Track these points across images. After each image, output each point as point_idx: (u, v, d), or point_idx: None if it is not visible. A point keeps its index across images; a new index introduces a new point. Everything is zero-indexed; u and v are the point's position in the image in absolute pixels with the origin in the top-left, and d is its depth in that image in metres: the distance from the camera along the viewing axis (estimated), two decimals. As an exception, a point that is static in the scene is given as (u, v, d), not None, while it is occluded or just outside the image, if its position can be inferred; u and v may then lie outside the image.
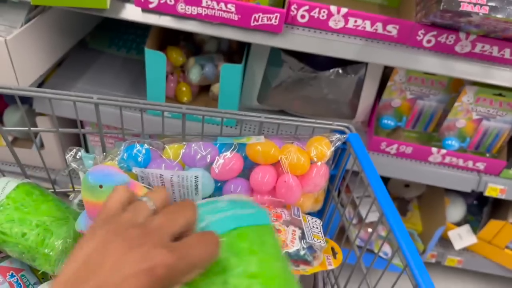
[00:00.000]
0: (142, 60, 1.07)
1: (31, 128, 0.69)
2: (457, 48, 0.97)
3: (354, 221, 1.38)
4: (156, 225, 0.36)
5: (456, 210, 1.41)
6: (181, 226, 0.38)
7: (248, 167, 0.70)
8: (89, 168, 0.67)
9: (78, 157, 0.69)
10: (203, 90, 1.23)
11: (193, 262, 0.35)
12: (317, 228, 0.69)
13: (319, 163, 0.70)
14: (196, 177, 0.66)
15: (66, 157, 0.67)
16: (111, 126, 1.24)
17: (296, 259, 0.65)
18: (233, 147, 0.69)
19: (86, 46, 1.38)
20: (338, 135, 0.71)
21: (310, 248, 0.66)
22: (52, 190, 0.80)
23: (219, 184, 0.71)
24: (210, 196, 0.72)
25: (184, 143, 0.69)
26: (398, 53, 0.97)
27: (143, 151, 0.67)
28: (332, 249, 0.73)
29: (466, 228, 1.40)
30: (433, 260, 1.42)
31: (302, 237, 0.66)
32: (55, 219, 0.70)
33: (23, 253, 0.69)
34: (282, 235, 0.65)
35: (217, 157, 0.68)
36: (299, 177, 0.70)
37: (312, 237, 0.67)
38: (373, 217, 1.34)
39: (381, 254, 1.39)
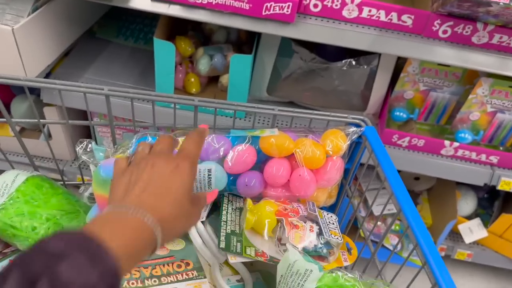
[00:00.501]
0: (150, 50, 1.05)
1: (41, 120, 0.68)
2: (474, 39, 0.94)
3: (363, 214, 1.37)
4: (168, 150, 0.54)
5: (467, 204, 1.39)
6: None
7: (262, 160, 0.69)
8: (100, 160, 0.66)
9: (88, 149, 0.68)
10: (212, 81, 1.21)
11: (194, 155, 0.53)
12: (333, 224, 0.68)
13: (334, 157, 0.68)
14: (209, 170, 0.64)
15: (77, 149, 0.66)
16: (119, 117, 1.22)
17: (313, 255, 0.64)
18: (246, 140, 0.68)
19: (93, 36, 1.37)
20: (354, 128, 0.70)
21: (327, 244, 0.64)
22: (62, 183, 0.79)
23: (232, 177, 0.70)
24: (223, 190, 0.71)
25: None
26: (412, 43, 0.94)
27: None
28: (347, 244, 0.71)
29: (476, 221, 1.38)
30: (442, 254, 1.41)
31: (320, 233, 0.65)
32: (65, 212, 0.70)
33: (32, 246, 0.68)
34: (300, 231, 0.64)
35: (230, 150, 0.67)
36: (314, 171, 0.68)
37: (330, 233, 0.65)
38: (380, 209, 1.33)
39: (389, 246, 1.38)
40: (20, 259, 0.34)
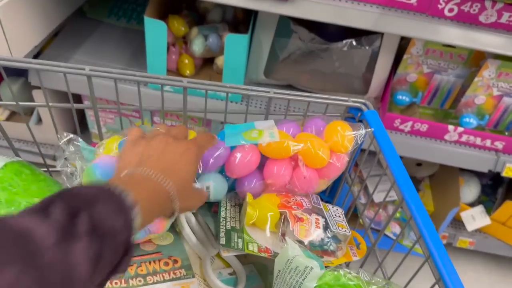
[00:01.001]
0: (143, 31, 1.01)
1: (20, 103, 0.64)
2: (482, 18, 0.89)
3: (363, 201, 1.33)
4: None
5: (470, 191, 1.35)
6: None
7: (262, 157, 0.64)
8: (88, 159, 0.62)
9: (73, 144, 0.63)
10: (206, 63, 1.16)
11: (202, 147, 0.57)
12: (339, 216, 0.64)
13: (338, 164, 0.64)
14: (208, 187, 0.61)
15: (60, 143, 0.61)
16: (111, 100, 1.18)
17: (320, 249, 0.60)
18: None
19: (84, 15, 1.31)
20: (363, 129, 0.64)
21: (335, 238, 0.61)
22: (45, 170, 0.75)
23: (228, 180, 0.66)
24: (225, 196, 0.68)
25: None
26: (417, 22, 0.90)
27: None
28: (354, 239, 0.68)
29: (480, 209, 1.34)
30: (444, 242, 1.38)
31: (326, 226, 0.61)
32: (47, 199, 0.65)
33: (13, 236, 0.64)
34: (305, 224, 0.59)
35: (232, 153, 0.62)
36: (317, 169, 0.64)
37: (337, 226, 0.61)
38: (381, 197, 1.30)
39: (390, 234, 1.34)
40: (60, 195, 0.38)
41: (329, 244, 0.60)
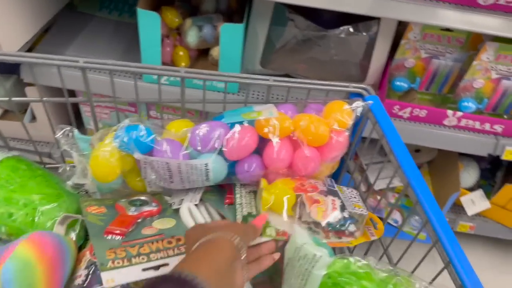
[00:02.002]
0: (136, 24, 0.99)
1: (13, 98, 0.62)
2: (480, 0, 0.88)
3: (363, 189, 1.33)
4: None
5: (469, 175, 1.35)
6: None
7: (261, 141, 0.63)
8: (84, 149, 0.61)
9: (70, 136, 0.62)
10: (202, 54, 1.15)
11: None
12: (355, 197, 0.63)
13: (340, 138, 0.63)
14: (206, 164, 0.59)
15: (56, 136, 0.60)
16: (105, 95, 1.16)
17: (338, 230, 0.59)
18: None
19: (74, 10, 1.29)
20: (360, 102, 0.63)
21: (352, 218, 0.60)
22: (43, 165, 0.74)
23: (228, 163, 0.65)
24: (224, 179, 0.66)
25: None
26: (414, 6, 0.89)
27: (145, 134, 0.60)
28: (371, 220, 0.67)
29: (479, 193, 1.34)
30: (445, 227, 1.38)
31: (343, 207, 0.60)
32: (45, 196, 0.64)
33: (11, 235, 0.63)
34: (322, 205, 0.58)
35: (228, 136, 0.61)
36: (318, 148, 0.63)
37: (353, 206, 0.61)
38: (381, 184, 1.29)
39: (390, 221, 1.34)
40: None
41: (347, 224, 0.59)
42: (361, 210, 0.61)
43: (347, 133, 0.64)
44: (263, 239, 0.58)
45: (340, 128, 0.62)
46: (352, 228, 0.59)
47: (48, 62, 0.55)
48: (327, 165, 0.67)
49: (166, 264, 0.56)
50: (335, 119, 0.62)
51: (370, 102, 0.64)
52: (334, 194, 0.62)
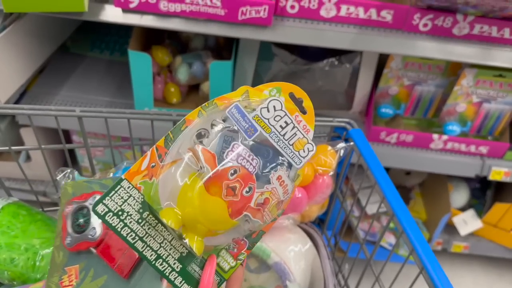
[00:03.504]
0: (127, 62, 1.03)
1: (12, 147, 0.64)
2: (455, 31, 0.93)
3: (356, 213, 1.35)
4: None
5: (460, 196, 1.38)
6: None
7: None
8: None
9: (68, 178, 0.64)
10: (192, 89, 1.18)
11: None
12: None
13: (325, 177, 0.65)
14: None
15: (58, 178, 0.62)
16: (99, 133, 1.19)
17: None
18: None
19: (67, 51, 1.33)
20: (342, 144, 0.66)
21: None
22: (41, 209, 0.76)
23: None
24: None
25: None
26: (394, 39, 0.93)
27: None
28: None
29: (471, 212, 1.37)
30: (439, 248, 1.39)
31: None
32: (45, 240, 0.66)
33: (13, 279, 0.64)
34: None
35: None
36: (304, 188, 0.66)
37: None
38: (373, 208, 1.31)
39: (385, 244, 1.36)
40: None
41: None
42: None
43: (331, 173, 0.67)
44: None
45: (326, 169, 0.65)
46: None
47: (46, 113, 0.58)
48: (317, 206, 0.69)
49: None
50: (318, 160, 0.65)
51: (352, 144, 0.67)
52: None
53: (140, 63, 1.00)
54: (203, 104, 0.47)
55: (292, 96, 0.50)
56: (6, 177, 1.31)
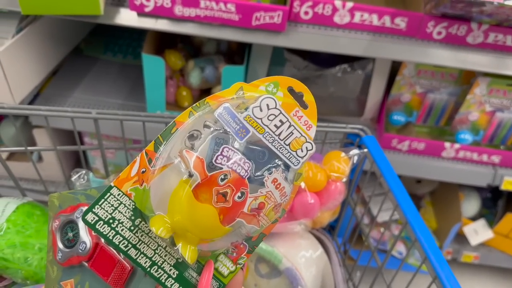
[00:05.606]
0: (140, 65, 1.03)
1: (28, 148, 0.65)
2: (469, 39, 0.92)
3: (366, 221, 1.34)
4: None
5: (470, 205, 1.37)
6: None
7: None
8: None
9: (84, 180, 0.65)
10: (204, 94, 1.18)
11: None
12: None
13: (338, 183, 0.65)
14: None
15: (72, 179, 0.62)
16: (111, 136, 1.20)
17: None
18: None
19: (81, 54, 1.34)
20: (356, 150, 0.66)
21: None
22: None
23: None
24: None
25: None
26: (407, 46, 0.93)
27: None
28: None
29: (481, 222, 1.36)
30: (449, 257, 1.38)
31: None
32: (58, 240, 0.66)
33: (27, 278, 0.65)
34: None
35: None
36: (317, 193, 0.65)
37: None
38: (384, 216, 1.31)
39: (395, 253, 1.35)
40: None
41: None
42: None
43: (344, 180, 0.66)
44: None
45: (339, 175, 0.65)
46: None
47: (63, 114, 0.59)
48: (329, 212, 0.69)
49: None
50: (331, 166, 0.64)
51: (365, 150, 0.67)
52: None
53: (153, 67, 1.01)
54: (194, 104, 0.45)
55: (291, 90, 0.46)
56: (18, 177, 1.32)
